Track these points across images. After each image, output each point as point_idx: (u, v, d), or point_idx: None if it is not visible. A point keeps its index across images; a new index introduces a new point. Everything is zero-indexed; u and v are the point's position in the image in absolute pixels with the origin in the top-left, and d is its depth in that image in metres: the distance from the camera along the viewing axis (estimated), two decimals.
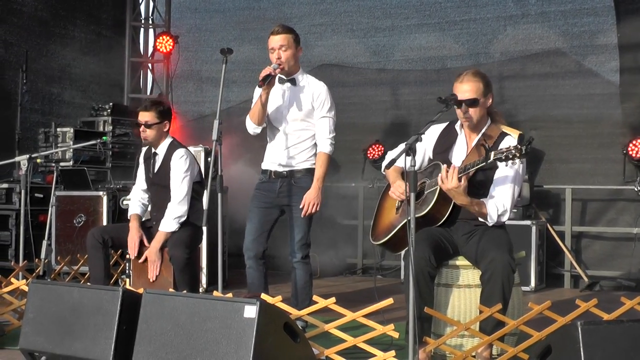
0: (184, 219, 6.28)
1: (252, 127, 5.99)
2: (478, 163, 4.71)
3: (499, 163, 4.63)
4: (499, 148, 4.77)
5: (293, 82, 5.96)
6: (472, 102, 4.89)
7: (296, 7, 11.10)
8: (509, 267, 4.63)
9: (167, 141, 6.49)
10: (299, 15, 10.94)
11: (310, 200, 5.84)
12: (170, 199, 6.32)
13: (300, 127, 5.95)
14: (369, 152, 10.00)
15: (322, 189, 5.92)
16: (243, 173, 9.07)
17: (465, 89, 4.92)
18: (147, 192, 6.62)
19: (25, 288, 5.47)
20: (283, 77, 5.93)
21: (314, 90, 5.94)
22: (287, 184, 5.95)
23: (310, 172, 5.97)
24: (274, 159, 6.02)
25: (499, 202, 4.86)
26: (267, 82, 5.71)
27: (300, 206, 5.85)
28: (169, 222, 6.26)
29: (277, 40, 5.84)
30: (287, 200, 5.95)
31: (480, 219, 4.91)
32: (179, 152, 6.39)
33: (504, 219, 4.91)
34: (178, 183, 6.32)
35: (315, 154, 6.00)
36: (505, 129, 5.00)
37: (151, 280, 6.21)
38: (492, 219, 4.86)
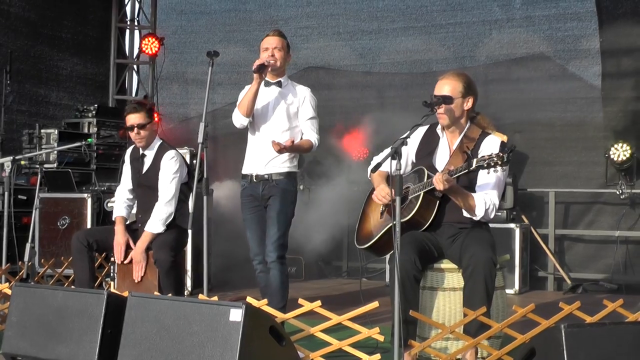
0: (170, 220, 6.27)
1: (240, 119, 5.96)
2: (461, 170, 4.74)
3: (481, 170, 4.66)
4: (480, 151, 4.85)
5: (279, 84, 6.03)
6: (445, 99, 4.93)
7: (282, 9, 11.09)
8: (491, 261, 4.65)
9: (156, 143, 6.47)
10: (285, 17, 10.94)
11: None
12: (158, 200, 6.31)
13: (284, 129, 5.97)
14: (354, 154, 10.00)
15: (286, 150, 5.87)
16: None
17: (442, 86, 5.01)
18: (133, 192, 6.58)
19: (9, 291, 5.44)
20: (269, 80, 5.99)
21: (299, 93, 6.04)
22: (268, 186, 5.95)
23: (290, 175, 6.02)
24: (255, 162, 6.02)
25: (487, 197, 4.87)
26: (261, 71, 5.80)
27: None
28: (156, 223, 6.24)
29: (272, 41, 5.97)
30: (267, 201, 5.97)
31: (465, 215, 4.93)
32: (170, 154, 6.37)
33: (492, 215, 4.92)
34: (166, 184, 6.30)
35: (295, 158, 6.06)
36: (494, 133, 5.03)
37: (136, 281, 6.19)
38: (480, 212, 4.86)
